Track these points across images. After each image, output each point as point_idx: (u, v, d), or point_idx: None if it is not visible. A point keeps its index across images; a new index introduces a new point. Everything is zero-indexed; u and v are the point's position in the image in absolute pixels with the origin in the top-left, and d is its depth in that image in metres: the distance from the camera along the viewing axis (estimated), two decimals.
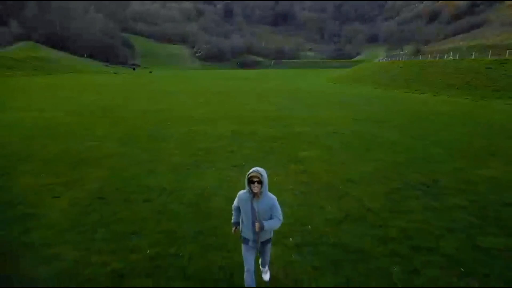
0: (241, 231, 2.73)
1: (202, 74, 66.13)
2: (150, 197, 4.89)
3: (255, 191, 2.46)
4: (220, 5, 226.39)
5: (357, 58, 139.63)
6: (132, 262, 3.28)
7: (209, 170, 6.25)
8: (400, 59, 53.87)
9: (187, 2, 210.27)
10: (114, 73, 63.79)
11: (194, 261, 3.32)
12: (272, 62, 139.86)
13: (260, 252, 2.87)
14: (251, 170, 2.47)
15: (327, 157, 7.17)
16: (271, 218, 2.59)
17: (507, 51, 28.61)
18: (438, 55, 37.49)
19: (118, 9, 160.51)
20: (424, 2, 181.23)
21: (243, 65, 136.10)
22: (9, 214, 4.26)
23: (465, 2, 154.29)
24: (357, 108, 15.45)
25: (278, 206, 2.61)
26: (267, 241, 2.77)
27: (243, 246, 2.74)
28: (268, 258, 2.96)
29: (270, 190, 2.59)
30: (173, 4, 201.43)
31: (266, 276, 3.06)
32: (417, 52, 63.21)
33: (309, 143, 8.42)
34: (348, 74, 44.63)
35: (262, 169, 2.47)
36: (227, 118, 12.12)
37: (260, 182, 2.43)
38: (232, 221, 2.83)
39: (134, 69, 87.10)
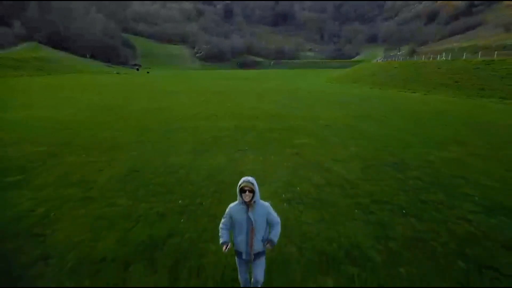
0: (233, 244, 2.66)
1: (202, 74, 67.43)
2: (173, 171, 6.20)
3: (247, 200, 2.47)
4: (220, 5, 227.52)
5: (356, 58, 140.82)
6: (169, 207, 4.59)
7: (218, 153, 7.55)
8: (397, 59, 55.18)
9: (187, 3, 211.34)
10: (117, 73, 65.04)
11: (214, 207, 4.63)
12: (272, 62, 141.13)
13: (253, 268, 2.72)
14: (241, 180, 2.48)
15: (317, 144, 8.48)
16: (267, 224, 2.62)
17: (496, 52, 29.96)
18: (432, 55, 38.88)
19: (118, 9, 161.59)
20: (424, 2, 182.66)
21: (243, 65, 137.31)
22: (71, 180, 5.57)
23: (464, 2, 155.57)
24: (351, 107, 16.72)
25: (273, 210, 2.65)
26: (261, 253, 2.66)
27: (236, 260, 2.74)
28: (261, 275, 2.73)
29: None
30: (173, 4, 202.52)
31: None
32: (413, 52, 64.56)
33: (303, 134, 9.72)
34: (347, 74, 45.93)
35: (253, 178, 2.51)
36: (229, 115, 13.35)
37: (252, 191, 2.46)
38: (221, 241, 2.62)
39: (137, 69, 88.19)
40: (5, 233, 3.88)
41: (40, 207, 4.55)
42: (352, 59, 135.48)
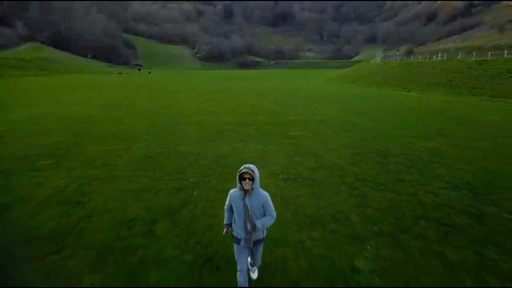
0: (233, 230, 2.73)
1: (203, 74, 68.28)
2: (184, 157, 7.00)
3: (246, 188, 2.47)
4: (220, 5, 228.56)
5: (356, 58, 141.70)
6: (183, 184, 5.40)
7: (222, 143, 8.35)
8: (394, 59, 56.03)
9: (187, 3, 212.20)
10: (119, 73, 65.86)
11: (221, 184, 5.44)
12: (271, 62, 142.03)
13: (252, 253, 2.85)
14: (242, 167, 2.48)
15: (312, 136, 9.29)
16: (264, 215, 2.61)
17: (489, 52, 30.80)
18: (428, 56, 39.72)
19: (119, 9, 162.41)
20: (423, 2, 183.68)
21: (243, 65, 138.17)
22: (95, 164, 6.38)
23: (463, 2, 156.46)
24: (347, 105, 17.54)
25: (271, 202, 2.61)
26: (260, 241, 2.74)
27: (235, 246, 2.74)
28: (259, 260, 2.93)
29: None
30: (173, 4, 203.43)
31: (254, 275, 3.08)
32: (410, 52, 65.48)
33: (299, 127, 10.53)
34: (345, 74, 46.77)
35: (254, 165, 2.50)
36: (230, 112, 14.14)
37: (252, 179, 2.46)
38: (224, 222, 2.80)
39: (139, 69, 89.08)
40: (51, 201, 4.68)
41: (74, 183, 5.36)
42: (351, 59, 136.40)
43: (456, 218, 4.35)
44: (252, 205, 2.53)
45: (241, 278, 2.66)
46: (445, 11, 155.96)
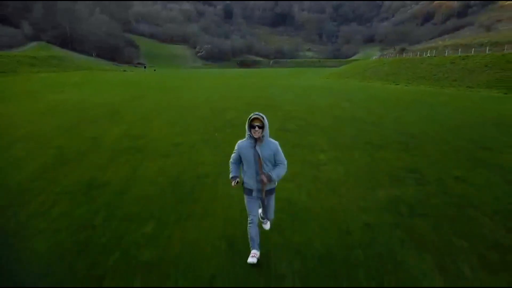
0: (243, 182, 2.64)
1: (204, 73, 70.69)
2: (202, 120, 9.33)
3: (257, 136, 2.43)
4: (220, 6, 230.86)
5: (354, 57, 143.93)
6: (205, 138, 7.74)
7: (229, 112, 10.68)
8: (388, 57, 58.44)
9: (187, 3, 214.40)
10: (124, 71, 68.27)
11: (232, 139, 7.78)
12: (271, 62, 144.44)
13: (264, 204, 2.77)
14: (252, 114, 2.44)
15: (302, 110, 11.64)
16: (275, 164, 2.54)
17: (473, 49, 33.21)
18: (418, 53, 42.11)
19: (121, 10, 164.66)
20: (420, 2, 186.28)
21: (243, 65, 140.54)
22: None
23: (459, 2, 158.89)
24: (337, 94, 19.90)
25: (281, 151, 2.54)
26: (272, 190, 2.66)
27: (246, 198, 2.66)
28: (272, 213, 2.82)
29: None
30: (174, 5, 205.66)
31: (266, 226, 3.03)
32: (402, 50, 68.14)
33: (293, 105, 12.90)
34: (341, 71, 49.09)
35: (263, 114, 2.43)
36: (235, 99, 16.54)
37: (262, 127, 2.41)
38: (230, 175, 2.63)
39: (144, 67, 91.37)
40: (122, 137, 7.03)
41: (132, 130, 7.71)
42: (349, 59, 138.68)
43: (392, 142, 6.70)
44: (263, 153, 2.47)
45: (252, 231, 2.61)
46: (442, 11, 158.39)
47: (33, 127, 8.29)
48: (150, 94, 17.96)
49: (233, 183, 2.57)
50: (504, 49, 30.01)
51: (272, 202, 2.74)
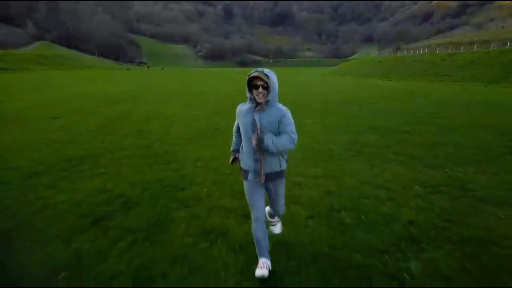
0: (240, 160, 1.99)
1: (206, 72, 72.54)
2: (203, 97, 11.05)
3: (260, 100, 1.75)
4: (220, 5, 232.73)
5: (352, 57, 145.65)
6: (206, 125, 9.46)
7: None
8: (382, 55, 60.21)
9: (188, 3, 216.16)
10: (127, 69, 70.06)
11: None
12: (270, 61, 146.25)
13: (269, 194, 2.02)
14: (252, 71, 1.76)
15: (298, 98, 13.35)
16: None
17: (462, 47, 34.94)
18: (412, 51, 43.84)
19: (122, 10, 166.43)
20: (419, 2, 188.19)
21: (243, 64, 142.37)
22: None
23: (457, 2, 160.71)
24: (331, 87, 21.63)
25: (291, 119, 1.82)
26: (276, 175, 1.92)
27: (245, 184, 1.95)
28: (281, 207, 2.10)
29: None
30: (174, 5, 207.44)
31: (276, 228, 2.31)
32: (397, 49, 70.00)
33: (291, 94, 14.62)
34: (338, 69, 50.86)
35: (269, 70, 1.76)
36: (239, 91, 18.29)
37: (266, 87, 1.73)
38: (231, 148, 2.09)
39: (148, 67, 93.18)
40: (140, 123, 8.74)
41: (156, 108, 9.43)
42: (348, 58, 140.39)
43: (369, 134, 8.42)
44: (264, 121, 1.78)
45: (257, 232, 1.89)
46: (440, 11, 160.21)
47: (74, 105, 10.02)
48: (150, 91, 19.68)
49: (230, 159, 2.08)
50: (490, 47, 31.76)
51: (280, 190, 2.01)
